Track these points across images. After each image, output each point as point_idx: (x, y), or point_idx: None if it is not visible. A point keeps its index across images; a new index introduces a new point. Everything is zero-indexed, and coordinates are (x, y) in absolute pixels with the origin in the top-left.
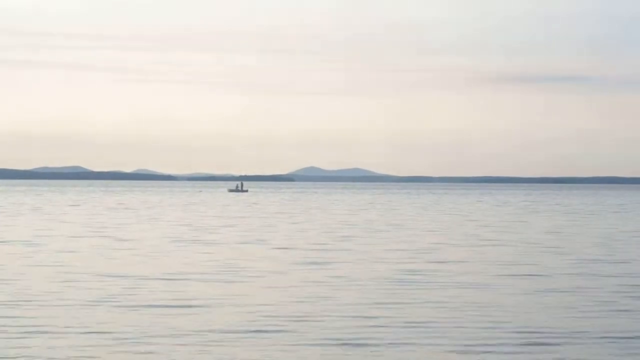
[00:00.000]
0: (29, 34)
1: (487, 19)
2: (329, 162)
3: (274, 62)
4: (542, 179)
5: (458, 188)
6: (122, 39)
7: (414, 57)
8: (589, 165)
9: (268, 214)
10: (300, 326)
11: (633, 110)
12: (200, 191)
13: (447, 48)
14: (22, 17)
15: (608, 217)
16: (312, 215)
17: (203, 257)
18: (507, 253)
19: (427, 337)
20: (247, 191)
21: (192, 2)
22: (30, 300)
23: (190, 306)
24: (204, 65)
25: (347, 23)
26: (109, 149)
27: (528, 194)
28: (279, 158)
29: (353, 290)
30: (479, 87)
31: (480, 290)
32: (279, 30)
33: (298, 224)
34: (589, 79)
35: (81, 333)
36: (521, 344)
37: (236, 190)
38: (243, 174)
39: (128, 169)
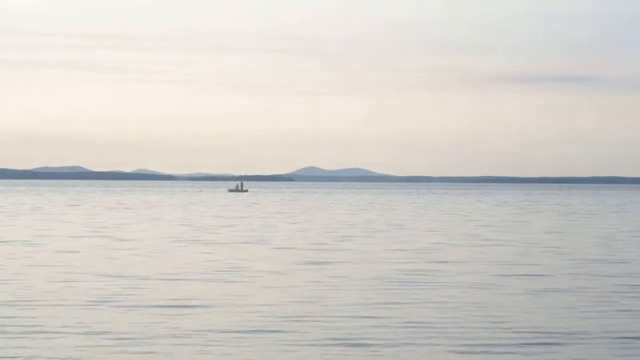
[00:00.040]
0: (29, 34)
1: (487, 19)
2: (328, 162)
3: (274, 62)
4: (542, 179)
5: (458, 188)
6: (122, 39)
7: (414, 57)
8: (588, 165)
9: (268, 214)
10: (300, 326)
11: (633, 110)
12: (200, 191)
13: (447, 48)
14: (22, 17)
15: (608, 217)
16: (312, 215)
17: (203, 257)
18: (507, 253)
19: (427, 337)
20: (247, 191)
21: (192, 2)
22: (30, 300)
23: (190, 306)
24: (204, 65)
25: (347, 23)
26: (109, 149)
27: (528, 194)
28: (279, 158)
29: (353, 290)
30: (478, 87)
31: (480, 290)
32: (279, 30)
33: (298, 224)
34: (589, 79)
35: (81, 333)
36: (521, 344)
37: (236, 190)
38: (243, 174)
39: (128, 169)
